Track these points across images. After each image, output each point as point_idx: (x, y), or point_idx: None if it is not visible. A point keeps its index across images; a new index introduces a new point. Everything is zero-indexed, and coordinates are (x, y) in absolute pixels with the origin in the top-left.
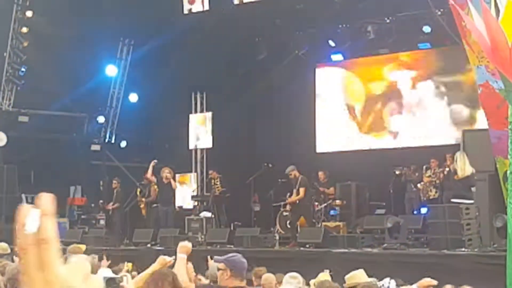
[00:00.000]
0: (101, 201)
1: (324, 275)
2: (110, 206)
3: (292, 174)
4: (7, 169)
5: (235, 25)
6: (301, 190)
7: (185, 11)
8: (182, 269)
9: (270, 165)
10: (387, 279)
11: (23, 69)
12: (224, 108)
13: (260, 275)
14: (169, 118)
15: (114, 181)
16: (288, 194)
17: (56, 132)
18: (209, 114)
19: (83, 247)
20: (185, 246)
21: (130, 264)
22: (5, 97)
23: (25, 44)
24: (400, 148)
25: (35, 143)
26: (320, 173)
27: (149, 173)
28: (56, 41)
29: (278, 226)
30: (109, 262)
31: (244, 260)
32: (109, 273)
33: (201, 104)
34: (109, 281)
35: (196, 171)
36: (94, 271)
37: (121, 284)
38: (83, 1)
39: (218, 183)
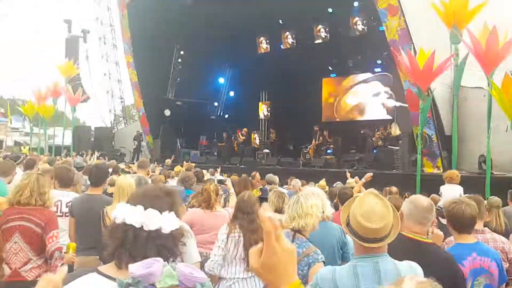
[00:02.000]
0: (215, 139)
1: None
2: (222, 144)
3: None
4: (170, 128)
5: None
6: None
7: None
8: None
9: None
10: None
11: (179, 79)
12: None
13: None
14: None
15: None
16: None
17: (195, 109)
18: None
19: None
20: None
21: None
22: (170, 91)
23: (180, 66)
24: None
25: (184, 115)
26: None
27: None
28: (198, 67)
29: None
30: (220, 170)
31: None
32: (220, 177)
33: None
34: (220, 181)
35: (260, 129)
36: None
37: (225, 183)
38: None
39: (274, 135)
